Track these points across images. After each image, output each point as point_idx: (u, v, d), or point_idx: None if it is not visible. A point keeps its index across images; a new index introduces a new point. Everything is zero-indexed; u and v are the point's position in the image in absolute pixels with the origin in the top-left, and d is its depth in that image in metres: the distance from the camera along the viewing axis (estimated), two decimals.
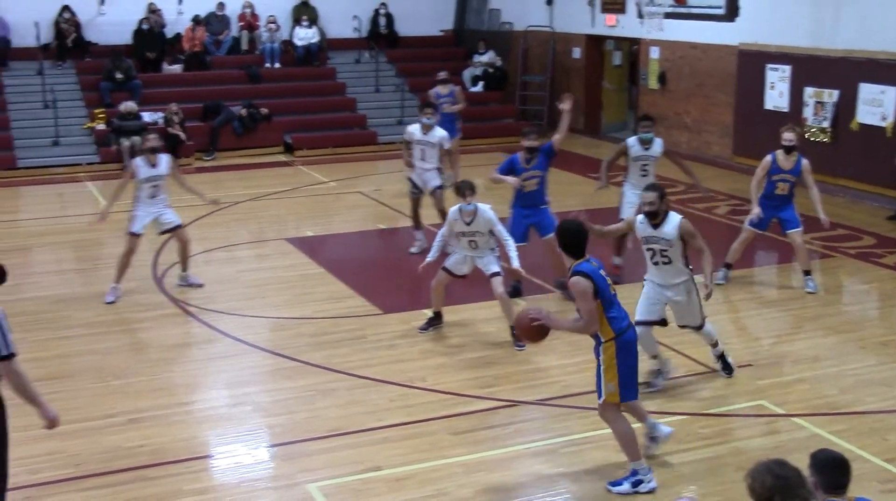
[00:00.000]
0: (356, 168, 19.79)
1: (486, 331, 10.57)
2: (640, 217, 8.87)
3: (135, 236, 11.78)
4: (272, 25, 23.22)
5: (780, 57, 17.91)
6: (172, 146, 19.84)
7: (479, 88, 23.76)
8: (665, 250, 8.84)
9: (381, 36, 24.38)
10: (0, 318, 5.81)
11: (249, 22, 23.48)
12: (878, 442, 7.98)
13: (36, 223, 16.24)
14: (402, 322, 10.82)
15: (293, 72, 23.19)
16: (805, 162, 11.92)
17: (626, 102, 23.87)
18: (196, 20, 22.76)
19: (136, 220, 11.81)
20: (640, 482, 7.30)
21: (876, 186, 16.21)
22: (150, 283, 12.43)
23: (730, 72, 19.20)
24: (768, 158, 12.03)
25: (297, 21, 23.63)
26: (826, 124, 17.04)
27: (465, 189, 10.08)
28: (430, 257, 10.34)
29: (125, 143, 19.62)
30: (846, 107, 16.68)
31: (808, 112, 17.38)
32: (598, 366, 7.24)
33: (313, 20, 23.71)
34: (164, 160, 11.86)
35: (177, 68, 22.51)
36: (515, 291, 11.46)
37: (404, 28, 24.66)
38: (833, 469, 5.03)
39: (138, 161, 11.81)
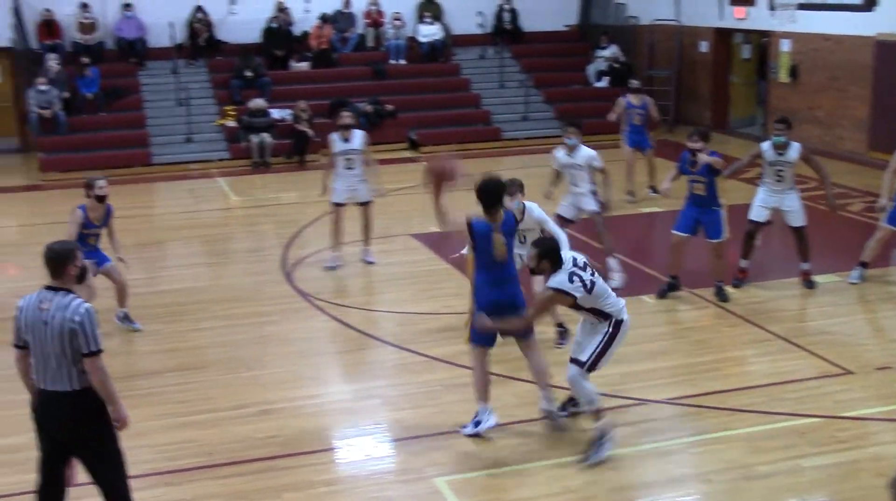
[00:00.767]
0: (480, 164, 19.73)
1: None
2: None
3: (338, 205, 12.79)
4: (397, 22, 23.43)
5: None
6: (300, 143, 20.24)
7: (603, 83, 23.54)
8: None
9: (506, 31, 24.36)
10: (89, 315, 5.96)
11: (375, 19, 23.73)
12: None
13: (170, 218, 16.72)
14: None
15: (418, 68, 23.34)
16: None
17: (754, 96, 23.33)
18: (323, 18, 23.11)
19: (336, 192, 12.78)
20: (479, 422, 8.05)
21: None
22: (279, 276, 12.67)
23: (866, 64, 18.58)
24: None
25: (421, 18, 23.79)
26: None
27: (513, 188, 9.68)
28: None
29: (254, 139, 20.05)
30: None
31: None
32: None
33: (437, 16, 23.83)
34: (358, 136, 12.79)
35: (304, 66, 22.89)
36: (671, 288, 11.49)
37: (528, 23, 24.59)
38: None
39: (334, 136, 12.79)
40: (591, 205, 11.91)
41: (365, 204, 12.97)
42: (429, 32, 23.56)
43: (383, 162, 20.17)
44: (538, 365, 8.25)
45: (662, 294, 11.36)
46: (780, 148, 11.56)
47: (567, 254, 7.74)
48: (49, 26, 21.92)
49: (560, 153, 12.01)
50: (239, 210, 16.99)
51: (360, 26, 23.82)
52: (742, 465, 7.53)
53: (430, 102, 22.61)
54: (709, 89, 23.19)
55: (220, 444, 8.09)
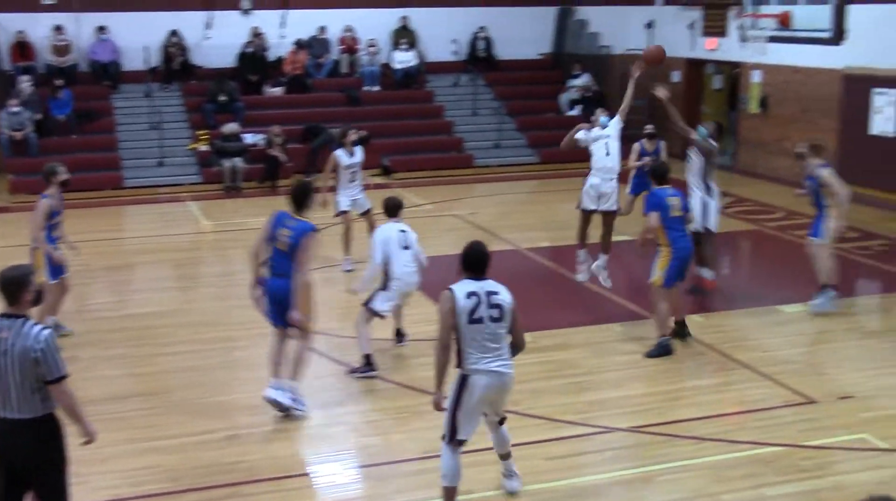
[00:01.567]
0: (453, 191, 19.89)
1: (582, 357, 10.51)
2: None
3: (343, 213, 13.89)
4: (372, 49, 23.54)
5: (888, 81, 17.51)
6: (272, 168, 20.24)
7: (576, 111, 23.70)
8: None
9: (480, 59, 24.51)
10: (49, 342, 5.90)
11: (350, 45, 23.83)
12: None
13: (140, 241, 16.67)
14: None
15: (392, 95, 23.45)
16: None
17: (725, 127, 23.53)
18: (298, 44, 23.19)
19: (340, 202, 13.85)
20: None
21: None
22: (248, 301, 12.61)
23: (834, 96, 18.83)
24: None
25: (396, 44, 23.90)
26: None
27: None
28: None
29: (227, 164, 20.05)
30: None
31: None
32: None
33: (412, 44, 23.96)
34: (359, 150, 14.06)
35: (278, 91, 22.94)
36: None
37: (502, 51, 24.77)
38: None
39: (339, 152, 13.86)
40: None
41: (366, 212, 14.00)
42: (403, 59, 23.67)
43: None
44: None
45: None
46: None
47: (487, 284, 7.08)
48: (22, 48, 21.88)
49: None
50: (210, 235, 16.97)
51: (335, 52, 23.91)
52: (707, 494, 7.58)
53: (403, 129, 22.71)
54: (682, 119, 23.33)
55: (185, 470, 8.06)
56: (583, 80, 23.92)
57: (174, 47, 22.56)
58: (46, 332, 5.94)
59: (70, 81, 21.52)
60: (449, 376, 7.09)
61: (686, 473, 7.94)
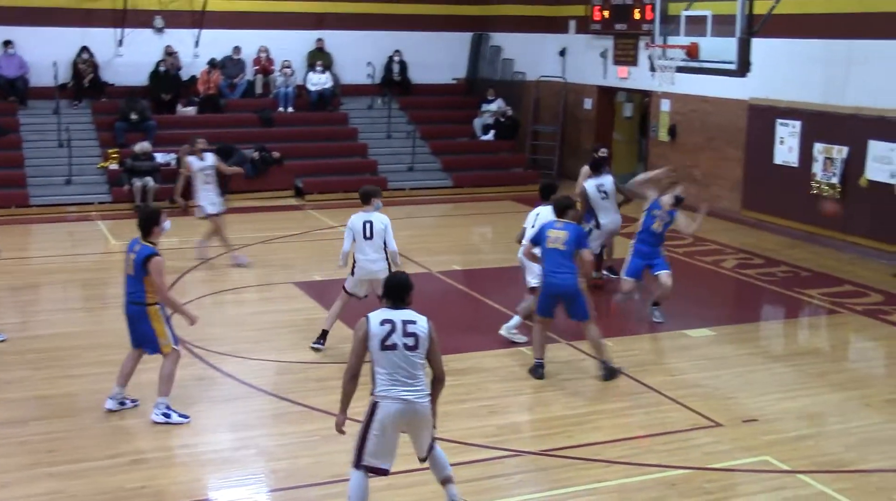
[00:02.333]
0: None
1: (491, 380, 10.54)
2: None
3: (210, 216, 15.19)
4: (287, 70, 23.41)
5: (791, 112, 17.99)
6: (184, 188, 19.96)
7: (489, 136, 23.89)
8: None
9: (395, 83, 24.55)
10: None
11: (264, 66, 23.68)
12: None
13: (46, 261, 16.29)
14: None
15: (306, 116, 23.34)
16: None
17: (636, 153, 23.96)
18: (212, 63, 22.95)
19: (205, 206, 15.17)
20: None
21: (884, 243, 16.19)
22: None
23: (740, 126, 19.28)
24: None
25: (311, 66, 23.81)
26: (835, 180, 17.06)
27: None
28: None
29: (137, 183, 19.74)
30: (855, 163, 16.73)
31: (817, 168, 17.42)
32: None
33: (328, 66, 23.90)
34: (210, 155, 15.47)
35: (191, 110, 22.67)
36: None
37: (418, 75, 24.84)
38: None
39: (191, 157, 15.39)
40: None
41: (218, 215, 15.24)
42: (318, 81, 23.59)
43: (269, 209, 20.17)
44: None
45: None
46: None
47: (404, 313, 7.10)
48: None
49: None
50: (119, 254, 16.56)
51: (250, 73, 23.73)
52: None
53: (317, 151, 22.62)
54: (592, 145, 23.70)
55: (87, 496, 7.87)
56: (496, 105, 24.11)
57: (84, 64, 22.15)
58: None
59: None
60: (354, 401, 7.06)
61: (594, 496, 8.00)
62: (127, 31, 22.59)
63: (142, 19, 22.79)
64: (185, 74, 23.02)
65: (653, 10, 17.28)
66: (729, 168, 19.69)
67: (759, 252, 16.89)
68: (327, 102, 23.59)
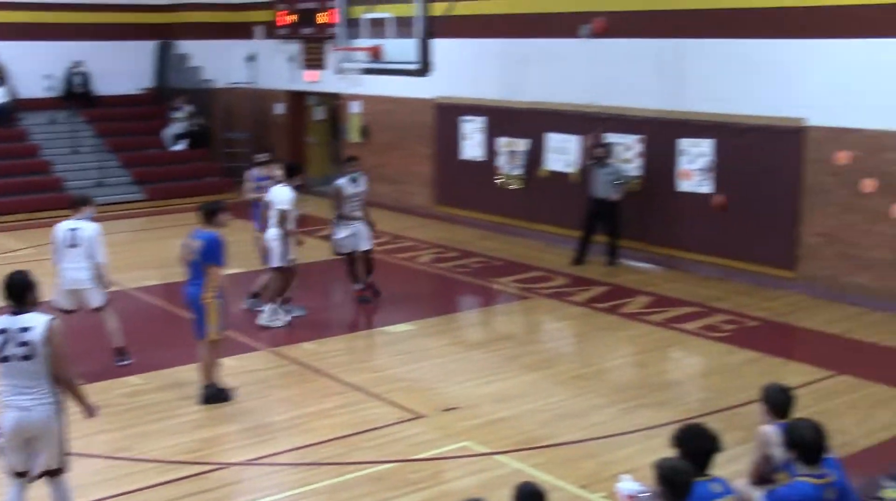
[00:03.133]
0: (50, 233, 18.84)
1: (193, 395, 10.28)
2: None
3: None
4: None
5: (474, 109, 18.72)
6: None
7: (181, 146, 23.33)
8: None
9: (77, 95, 23.46)
10: None
11: None
12: (574, 472, 8.39)
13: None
14: (103, 391, 10.35)
15: None
16: None
17: (329, 156, 24.12)
18: None
19: None
20: None
21: (566, 229, 17.15)
22: None
23: (428, 124, 19.85)
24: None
25: None
26: (519, 172, 17.92)
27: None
28: None
29: None
30: (536, 155, 17.63)
31: (501, 161, 18.22)
32: None
33: (3, 79, 22.52)
34: None
35: None
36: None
37: (102, 87, 23.83)
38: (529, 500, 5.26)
39: None
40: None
41: None
42: None
43: None
44: None
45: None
46: (357, 181, 13.36)
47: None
48: None
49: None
50: None
51: None
52: None
53: None
54: (286, 150, 23.71)
55: None
56: (185, 111, 23.56)
57: None
58: None
59: None
60: None
61: (302, 500, 7.98)
62: None
63: None
64: None
65: (337, 14, 17.50)
66: (420, 165, 20.23)
67: (452, 245, 17.45)
68: (4, 118, 22.23)
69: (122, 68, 24.14)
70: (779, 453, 6.29)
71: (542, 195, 17.65)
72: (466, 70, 18.71)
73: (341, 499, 7.98)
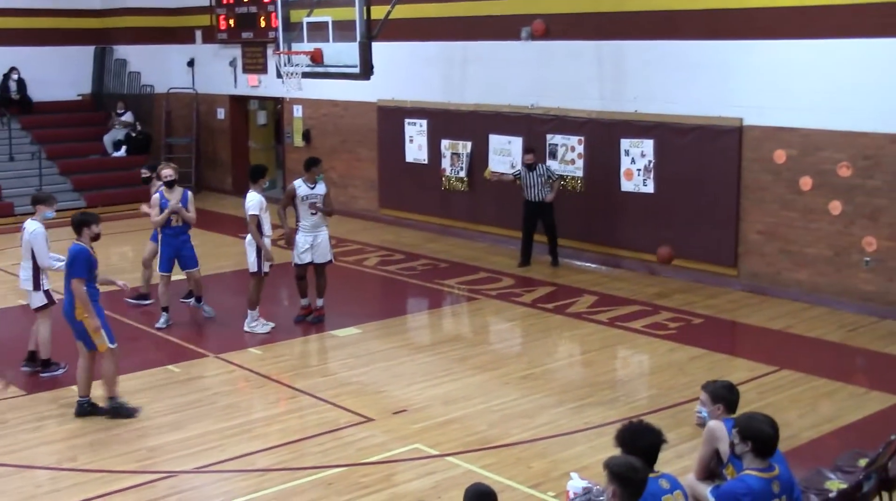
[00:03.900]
0: None
1: (139, 402, 10.15)
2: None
3: None
4: None
5: (417, 112, 18.72)
6: None
7: (122, 152, 23.04)
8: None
9: (13, 101, 23.07)
10: None
11: None
12: (524, 471, 8.42)
13: None
14: (49, 401, 10.21)
15: None
16: (189, 193, 13.21)
17: (273, 160, 23.99)
18: None
19: None
20: None
21: (511, 230, 17.21)
22: None
23: (371, 127, 19.81)
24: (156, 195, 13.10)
25: None
26: (462, 174, 17.95)
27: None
28: None
29: None
30: (479, 157, 17.67)
31: (445, 163, 18.24)
32: None
33: None
34: None
35: None
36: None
37: (39, 93, 23.46)
38: None
39: None
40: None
41: None
42: None
43: None
44: None
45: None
46: (313, 183, 12.79)
47: None
48: None
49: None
50: None
51: None
52: None
53: None
54: (228, 155, 23.57)
55: None
56: (126, 117, 23.28)
57: None
58: None
59: None
60: None
61: None
62: None
63: None
64: None
65: (276, 18, 17.38)
66: (364, 169, 20.19)
67: (399, 248, 17.44)
68: None
69: (59, 74, 23.81)
70: (726, 448, 6.36)
71: (485, 197, 17.70)
72: (408, 73, 18.71)
73: None
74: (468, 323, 13.59)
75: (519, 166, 16.11)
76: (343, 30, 15.19)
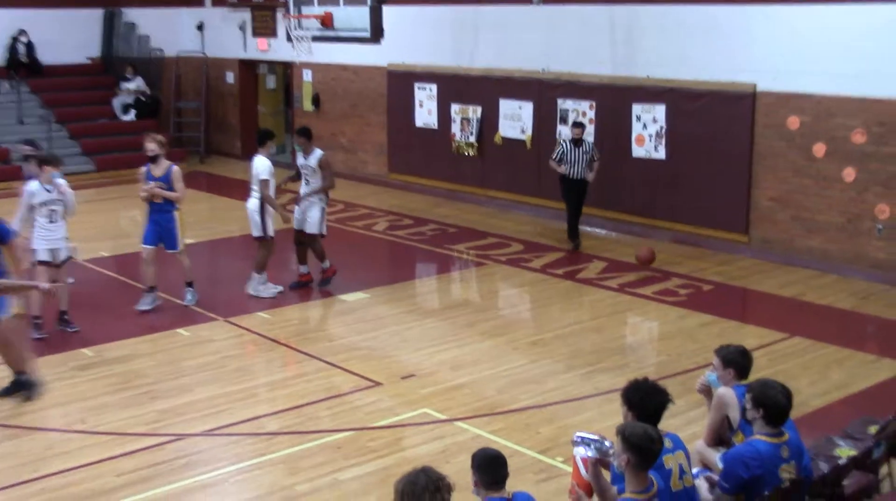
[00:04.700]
0: (1, 207, 18.53)
1: (148, 366, 10.19)
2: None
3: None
4: None
5: (427, 76, 18.61)
6: None
7: (131, 116, 22.98)
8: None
9: (22, 65, 22.99)
10: None
11: None
12: (532, 437, 8.42)
13: None
14: (57, 364, 10.23)
15: None
16: (175, 169, 12.03)
17: (283, 125, 23.92)
18: None
19: None
20: None
21: (520, 195, 17.16)
22: None
23: (381, 92, 19.71)
24: (143, 168, 12.13)
25: None
26: (472, 139, 17.86)
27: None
28: None
29: None
30: (489, 122, 17.58)
31: (455, 128, 18.15)
32: None
33: None
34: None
35: None
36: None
37: (48, 56, 23.36)
38: (490, 466, 5.25)
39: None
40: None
41: None
42: None
43: None
44: None
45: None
46: (306, 153, 12.66)
47: None
48: None
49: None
50: None
51: None
52: (281, 487, 7.63)
53: None
54: (237, 119, 23.48)
55: None
56: (136, 83, 23.20)
57: None
58: None
59: None
60: None
61: (259, 470, 7.94)
62: None
63: None
64: None
65: None
66: (373, 133, 20.11)
67: (407, 213, 17.40)
68: None
69: (67, 37, 23.68)
70: (736, 414, 6.34)
71: (495, 162, 17.62)
72: (418, 37, 18.58)
73: (299, 468, 7.94)
74: (477, 288, 13.57)
75: (561, 143, 14.93)
76: None
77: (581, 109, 16.10)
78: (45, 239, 10.77)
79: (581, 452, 5.73)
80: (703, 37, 14.54)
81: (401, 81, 19.16)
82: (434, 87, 18.51)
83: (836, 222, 13.42)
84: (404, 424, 8.84)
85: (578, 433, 5.75)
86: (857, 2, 12.92)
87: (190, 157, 22.81)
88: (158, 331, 11.26)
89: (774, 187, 14.03)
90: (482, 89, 17.62)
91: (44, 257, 10.78)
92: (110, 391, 9.55)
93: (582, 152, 14.54)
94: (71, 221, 11.19)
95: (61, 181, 10.95)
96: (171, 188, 11.83)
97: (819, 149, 13.44)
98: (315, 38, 15.69)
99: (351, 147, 20.46)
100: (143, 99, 23.06)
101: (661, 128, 15.12)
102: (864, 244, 13.20)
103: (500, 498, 5.19)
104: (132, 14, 24.25)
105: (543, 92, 16.65)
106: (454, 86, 18.13)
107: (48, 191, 10.78)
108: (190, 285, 12.18)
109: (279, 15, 20.91)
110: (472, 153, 17.94)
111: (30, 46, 23.09)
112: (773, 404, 5.80)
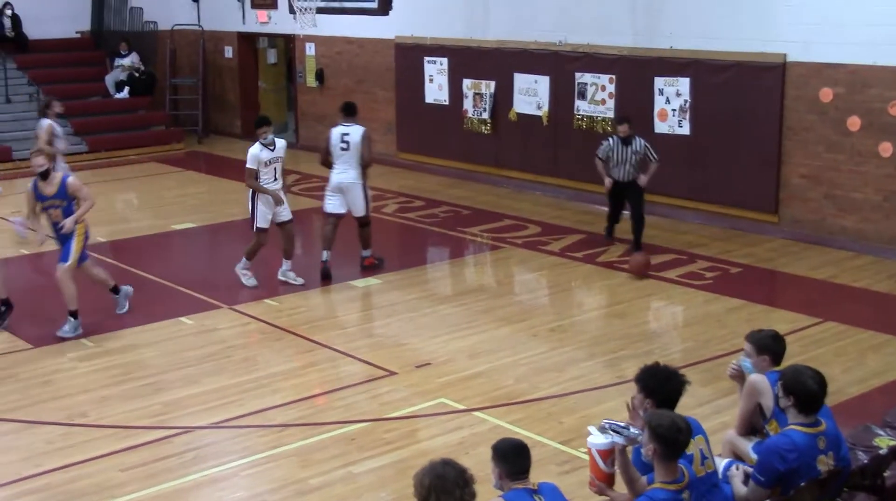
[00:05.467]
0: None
1: (151, 356, 10.34)
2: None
3: None
4: None
5: (437, 49, 18.67)
6: None
7: (124, 94, 23.08)
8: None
9: (8, 39, 23.07)
10: None
11: None
12: (554, 427, 8.55)
13: None
14: (57, 354, 10.38)
15: None
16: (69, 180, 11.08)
17: (285, 102, 24.01)
18: None
19: None
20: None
21: (537, 175, 17.25)
22: None
23: (388, 66, 19.77)
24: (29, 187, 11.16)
25: None
26: (486, 115, 17.94)
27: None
28: None
29: None
30: (503, 97, 17.65)
31: (468, 104, 18.23)
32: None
33: None
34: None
35: None
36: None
37: (34, 30, 23.45)
38: (513, 456, 5.35)
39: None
40: None
41: None
42: None
43: None
44: None
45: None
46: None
47: None
48: None
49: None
50: None
51: None
52: (294, 481, 7.76)
53: None
54: (237, 96, 23.56)
55: None
56: (130, 59, 23.27)
57: None
58: None
59: None
60: None
61: (271, 463, 8.07)
62: None
63: None
64: None
65: None
66: (381, 110, 20.18)
67: (418, 194, 17.50)
68: None
69: (55, 11, 23.71)
70: (769, 402, 6.44)
71: (510, 140, 17.70)
72: (428, 8, 18.64)
73: (312, 461, 8.08)
74: (493, 273, 13.68)
75: (609, 139, 13.99)
76: None
77: (600, 83, 16.17)
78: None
79: (596, 442, 5.83)
80: (730, 5, 14.58)
81: (409, 55, 19.22)
82: (445, 60, 18.58)
83: (872, 201, 13.49)
84: (420, 414, 8.97)
85: (606, 421, 5.86)
86: None
87: (187, 136, 22.94)
88: (160, 320, 11.39)
89: (806, 164, 14.10)
90: (496, 63, 17.68)
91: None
92: (112, 382, 9.70)
93: (631, 152, 13.53)
94: None
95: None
96: (70, 203, 10.94)
97: (854, 122, 13.49)
98: (319, 10, 15.78)
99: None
100: (137, 75, 23.13)
101: (686, 102, 15.18)
102: None
103: (526, 489, 5.26)
104: None
105: (560, 65, 16.71)
106: (466, 59, 18.19)
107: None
108: (73, 314, 10.97)
109: None
110: (485, 131, 18.01)
111: (15, 20, 23.14)
112: (804, 390, 5.90)
